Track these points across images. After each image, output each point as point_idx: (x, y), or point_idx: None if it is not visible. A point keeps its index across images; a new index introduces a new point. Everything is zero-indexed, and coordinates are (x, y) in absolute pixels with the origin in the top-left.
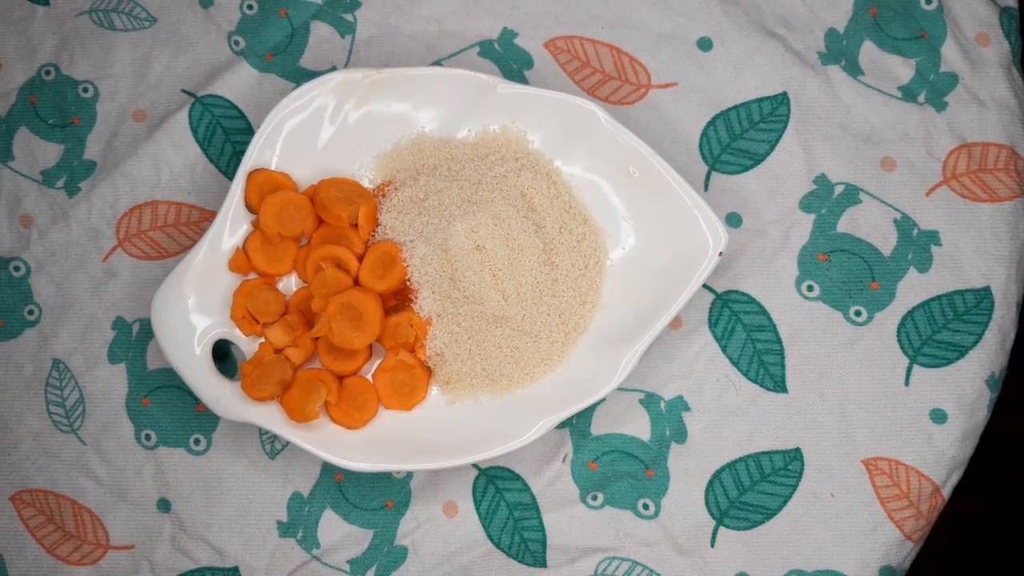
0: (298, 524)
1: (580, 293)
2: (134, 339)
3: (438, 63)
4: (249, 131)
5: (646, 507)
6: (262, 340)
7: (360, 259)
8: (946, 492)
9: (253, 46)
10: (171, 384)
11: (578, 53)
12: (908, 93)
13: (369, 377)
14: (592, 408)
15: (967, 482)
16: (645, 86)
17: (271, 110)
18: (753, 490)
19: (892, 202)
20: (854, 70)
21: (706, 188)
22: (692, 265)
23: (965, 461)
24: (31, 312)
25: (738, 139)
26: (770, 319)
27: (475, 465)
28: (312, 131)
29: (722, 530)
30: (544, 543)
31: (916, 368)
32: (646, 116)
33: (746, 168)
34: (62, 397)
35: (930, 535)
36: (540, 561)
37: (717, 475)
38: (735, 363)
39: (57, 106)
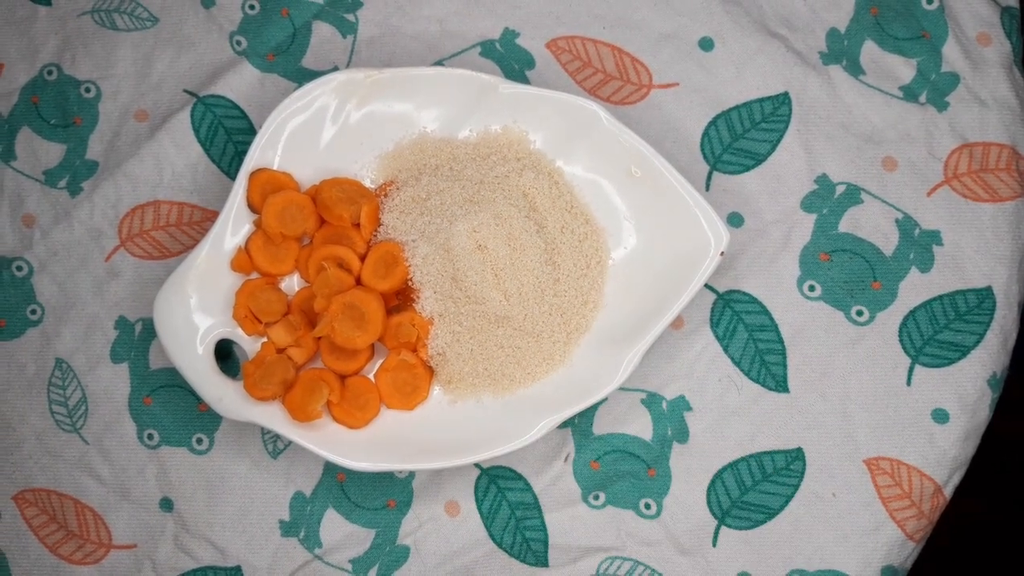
0: (300, 523)
1: (582, 293)
2: (136, 339)
3: (440, 63)
4: (251, 131)
5: (648, 507)
6: (264, 340)
7: (362, 259)
8: (948, 492)
9: (255, 46)
10: (173, 384)
11: (580, 53)
12: (909, 93)
13: (371, 377)
14: (594, 408)
15: (969, 482)
16: (647, 86)
17: (273, 110)
18: (755, 490)
19: (894, 202)
20: (855, 70)
21: (707, 188)
22: (694, 265)
23: (967, 461)
24: (34, 312)
25: (739, 139)
26: (772, 319)
27: (477, 465)
28: (314, 131)
29: (724, 530)
30: (546, 543)
31: (918, 368)
32: (648, 116)
33: (747, 168)
34: (65, 397)
35: (932, 535)
36: (542, 561)
37: (719, 475)
38: (737, 363)
39: (59, 106)
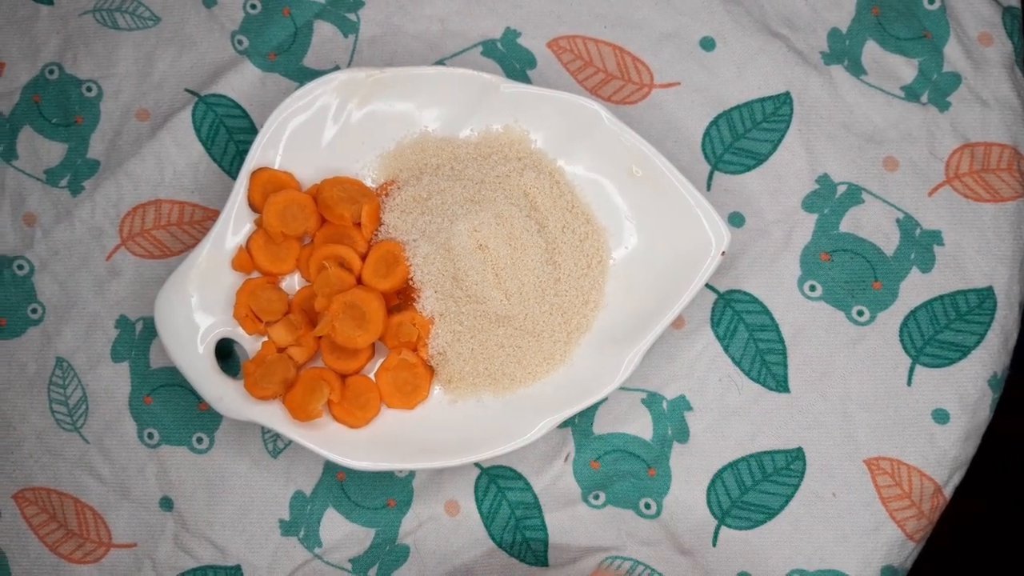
0: (300, 523)
1: (583, 292)
2: (137, 338)
3: (441, 62)
4: (252, 130)
5: (648, 506)
6: (265, 339)
7: (363, 258)
8: (948, 492)
9: (256, 45)
10: (174, 383)
11: (581, 53)
12: (911, 93)
13: (372, 376)
14: (594, 407)
15: (969, 482)
16: (648, 86)
17: (274, 109)
18: (755, 490)
19: (895, 202)
20: (857, 70)
21: (709, 188)
22: (694, 265)
23: (967, 461)
24: (34, 311)
25: (741, 139)
26: (772, 319)
27: (477, 464)
28: (315, 130)
29: (724, 529)
30: (546, 542)
31: (918, 368)
32: (649, 116)
33: (749, 168)
34: (65, 395)
35: (932, 535)
36: (542, 560)
37: (719, 475)
38: (737, 363)
39: (61, 105)
